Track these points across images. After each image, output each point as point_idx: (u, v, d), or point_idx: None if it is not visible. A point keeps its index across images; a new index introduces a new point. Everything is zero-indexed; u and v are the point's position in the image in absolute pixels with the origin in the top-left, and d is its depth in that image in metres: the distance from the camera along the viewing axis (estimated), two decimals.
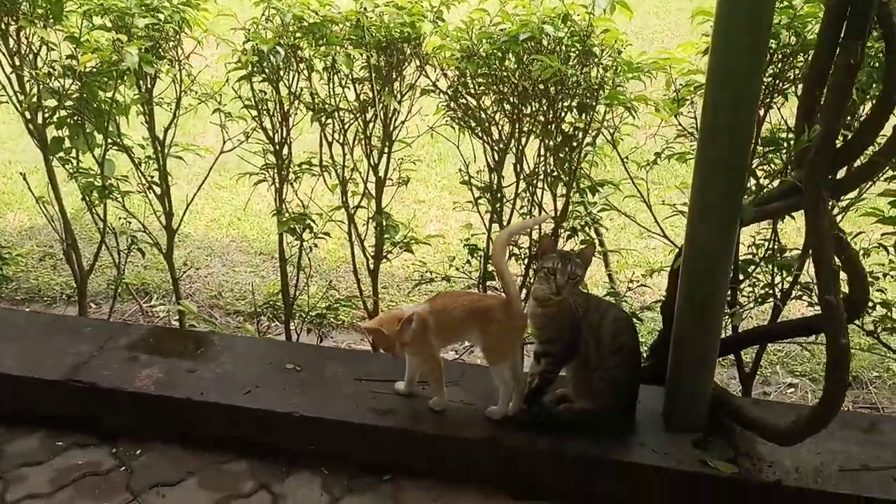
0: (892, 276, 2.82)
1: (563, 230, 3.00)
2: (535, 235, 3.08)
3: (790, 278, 2.86)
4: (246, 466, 2.66)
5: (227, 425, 2.72)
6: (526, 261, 3.08)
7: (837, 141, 2.07)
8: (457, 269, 3.17)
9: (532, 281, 2.59)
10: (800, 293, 2.88)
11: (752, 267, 2.84)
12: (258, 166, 3.17)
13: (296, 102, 3.04)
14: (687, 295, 2.38)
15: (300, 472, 2.63)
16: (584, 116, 2.75)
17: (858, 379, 3.77)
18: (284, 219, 3.00)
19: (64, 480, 2.57)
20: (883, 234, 2.74)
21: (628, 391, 2.55)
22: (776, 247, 2.83)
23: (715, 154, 2.14)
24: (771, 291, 2.90)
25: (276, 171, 3.10)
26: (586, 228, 3.01)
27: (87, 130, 3.22)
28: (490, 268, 3.19)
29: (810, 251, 2.05)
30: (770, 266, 2.86)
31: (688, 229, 2.30)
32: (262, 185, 3.23)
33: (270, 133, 3.10)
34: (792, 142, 2.64)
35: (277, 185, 3.13)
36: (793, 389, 3.76)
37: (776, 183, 2.65)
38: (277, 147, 3.07)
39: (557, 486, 2.53)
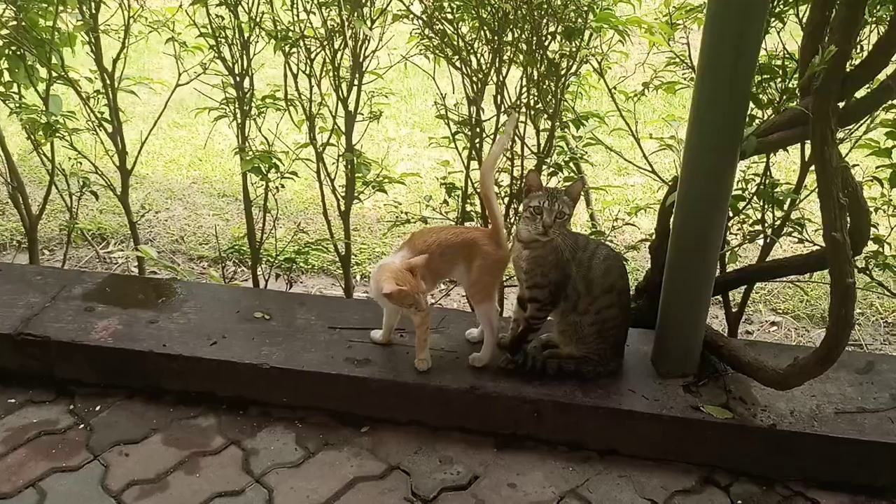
0: (885, 211, 2.72)
1: (546, 166, 2.83)
2: (517, 173, 2.91)
3: (781, 214, 2.74)
4: (214, 421, 2.51)
5: (192, 379, 2.56)
6: (506, 199, 2.91)
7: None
8: (433, 209, 3.00)
9: (515, 221, 2.44)
10: (791, 230, 2.76)
11: (743, 204, 2.71)
12: (218, 101, 2.93)
13: (257, 30, 2.79)
14: (681, 233, 2.25)
15: (272, 426, 2.49)
16: (571, 42, 2.55)
17: None
18: (248, 157, 2.78)
19: (18, 440, 2.39)
20: (878, 167, 2.62)
21: (618, 334, 2.43)
22: (768, 181, 2.69)
23: (717, 77, 1.97)
24: (761, 229, 2.78)
25: (236, 105, 2.87)
26: (571, 164, 2.84)
27: (29, 62, 2.94)
28: (469, 207, 3.02)
29: (816, 186, 1.90)
30: (761, 202, 2.72)
31: (684, 162, 2.15)
32: (223, 123, 2.99)
33: (230, 64, 2.85)
34: (789, 70, 2.48)
35: (239, 120, 2.90)
36: (776, 328, 3.69)
37: (769, 114, 2.50)
38: (238, 79, 2.82)
39: (544, 436, 2.42)
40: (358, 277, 3.94)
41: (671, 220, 2.31)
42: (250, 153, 2.84)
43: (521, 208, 2.37)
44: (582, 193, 2.34)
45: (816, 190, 1.93)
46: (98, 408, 2.54)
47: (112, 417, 2.50)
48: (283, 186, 2.96)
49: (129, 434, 2.43)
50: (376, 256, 4.08)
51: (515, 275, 2.39)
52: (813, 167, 2.48)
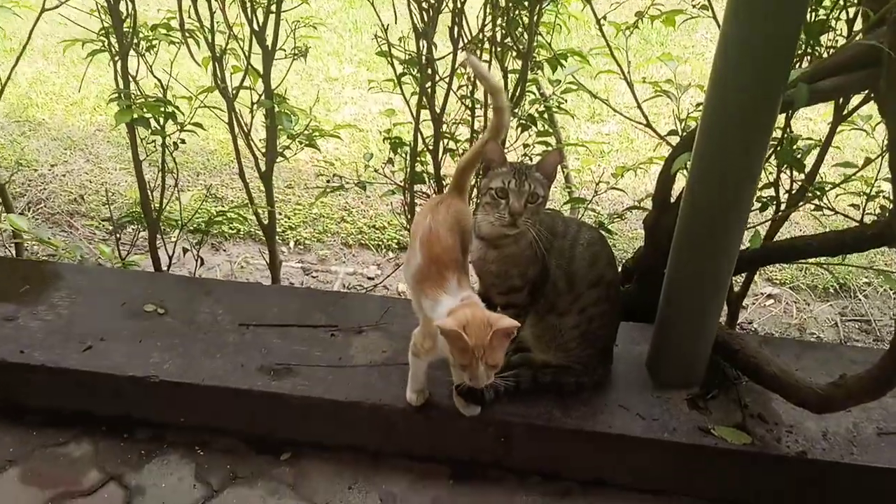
0: None
1: (515, 117, 2.26)
2: (479, 126, 2.33)
3: (801, 178, 2.22)
4: (90, 449, 1.95)
5: (60, 395, 1.98)
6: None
7: None
8: (375, 170, 2.41)
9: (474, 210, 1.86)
10: (810, 195, 2.24)
11: None
12: (95, 32, 2.28)
13: None
14: (695, 210, 1.71)
15: (165, 455, 1.94)
16: None
17: (846, 287, 3.26)
18: (128, 105, 2.15)
19: None
20: None
21: (607, 336, 1.92)
22: (788, 137, 2.16)
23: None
24: (774, 195, 2.27)
25: (114, 36, 2.22)
26: (545, 116, 2.27)
27: None
28: (420, 168, 2.45)
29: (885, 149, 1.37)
30: (777, 162, 2.20)
31: (705, 116, 1.60)
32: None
33: None
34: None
35: (117, 57, 2.25)
36: (772, 301, 3.22)
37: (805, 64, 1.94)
38: (112, 2, 2.16)
39: (512, 464, 1.91)
40: (292, 244, 3.36)
41: (683, 192, 1.77)
42: (132, 99, 2.20)
43: (479, 192, 1.80)
44: (560, 168, 1.77)
45: (886, 156, 1.40)
46: None
47: None
48: (182, 142, 2.34)
49: None
50: (313, 220, 3.49)
51: (479, 278, 1.84)
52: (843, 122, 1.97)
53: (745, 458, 1.79)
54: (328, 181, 2.38)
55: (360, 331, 2.09)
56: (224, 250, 3.39)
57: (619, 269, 2.23)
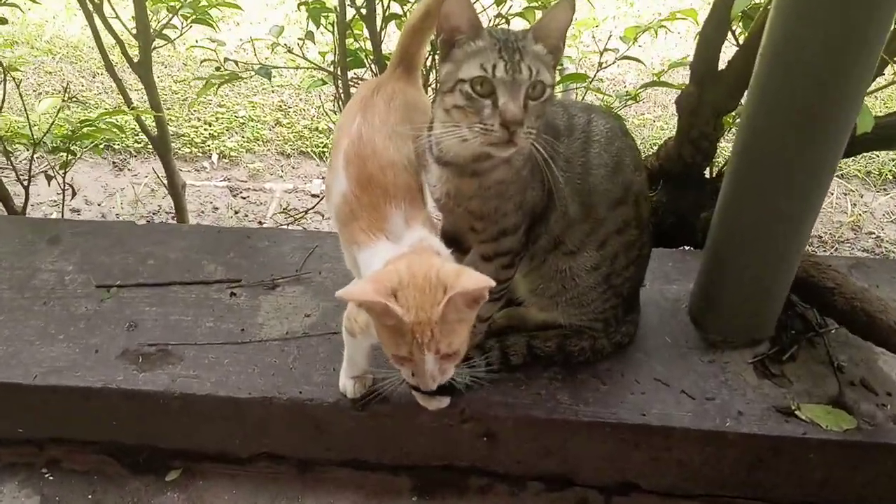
0: None
1: None
2: None
3: None
4: None
5: None
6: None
7: None
8: (289, 50, 1.70)
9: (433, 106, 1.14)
10: None
11: None
12: None
13: None
14: (785, 66, 1.04)
15: None
16: None
17: None
18: None
19: None
20: None
21: (636, 277, 1.28)
22: None
23: None
24: None
25: None
26: None
27: None
28: (354, 44, 1.74)
29: None
30: None
31: None
32: None
33: None
34: None
35: None
36: None
37: None
38: None
39: (500, 468, 1.32)
40: (215, 157, 2.68)
41: (761, 53, 1.09)
42: None
43: (437, 86, 1.10)
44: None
45: None
46: None
47: None
48: (3, 22, 1.61)
49: None
50: (240, 124, 2.79)
51: (446, 220, 1.17)
52: None
53: (849, 449, 1.20)
54: (217, 68, 1.66)
55: (272, 285, 1.45)
56: (130, 170, 2.70)
57: None
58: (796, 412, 1.22)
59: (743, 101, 1.25)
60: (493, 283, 0.92)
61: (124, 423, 1.33)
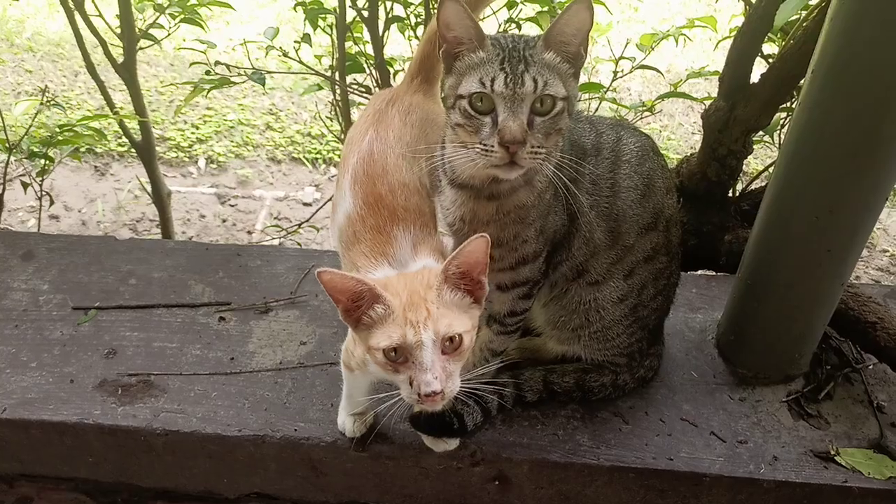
0: None
1: None
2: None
3: None
4: None
5: None
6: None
7: None
8: (284, 53, 1.59)
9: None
10: None
11: None
12: None
13: None
14: (841, 80, 0.95)
15: None
16: None
17: None
18: None
19: None
20: None
21: (663, 307, 1.18)
22: None
23: None
24: None
25: None
26: None
27: None
28: (354, 46, 1.63)
29: None
30: None
31: None
32: None
33: None
34: None
35: None
36: None
37: None
38: None
39: None
40: (202, 163, 2.56)
41: (815, 61, 0.99)
42: None
43: (444, 102, 0.99)
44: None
45: None
46: None
47: None
48: None
49: None
50: (229, 129, 2.67)
51: (454, 237, 1.06)
52: None
53: (894, 502, 1.10)
54: (207, 72, 1.55)
55: (265, 309, 1.33)
56: (112, 175, 2.58)
57: None
58: (835, 457, 1.12)
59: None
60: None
61: (102, 460, 1.21)
